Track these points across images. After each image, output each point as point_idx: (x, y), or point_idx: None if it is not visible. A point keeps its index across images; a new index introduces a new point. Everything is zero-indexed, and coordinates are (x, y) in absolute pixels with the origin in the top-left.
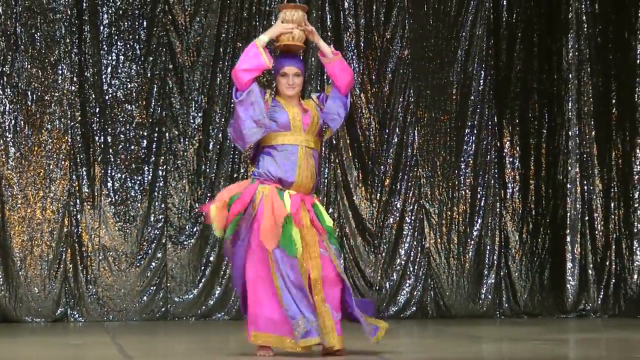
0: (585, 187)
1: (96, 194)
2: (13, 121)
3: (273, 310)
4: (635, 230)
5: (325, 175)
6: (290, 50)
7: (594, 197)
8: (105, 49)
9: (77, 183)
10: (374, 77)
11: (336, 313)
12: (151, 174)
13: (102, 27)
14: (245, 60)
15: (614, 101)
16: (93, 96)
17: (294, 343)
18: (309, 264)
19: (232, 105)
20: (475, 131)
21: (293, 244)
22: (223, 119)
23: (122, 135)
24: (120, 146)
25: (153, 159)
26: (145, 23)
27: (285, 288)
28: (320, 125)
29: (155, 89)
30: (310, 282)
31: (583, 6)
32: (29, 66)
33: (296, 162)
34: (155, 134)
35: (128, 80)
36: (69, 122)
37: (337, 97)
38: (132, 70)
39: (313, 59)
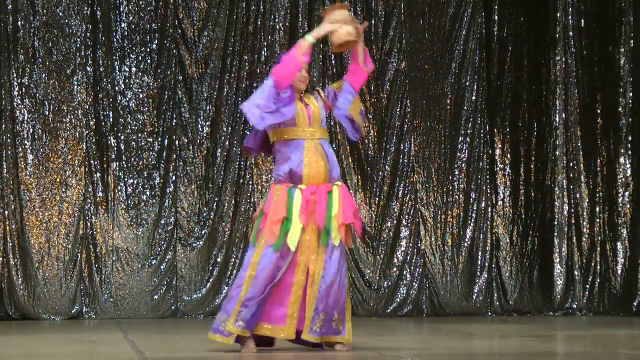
0: (572, 193)
1: (110, 198)
2: (31, 129)
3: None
4: (619, 233)
5: None
6: (345, 48)
7: (580, 201)
8: (118, 61)
9: (91, 188)
10: (372, 88)
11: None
12: (162, 180)
13: (115, 41)
14: (294, 59)
15: (599, 111)
16: (107, 106)
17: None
18: (309, 259)
19: (257, 86)
20: (468, 139)
21: (281, 239)
22: (230, 128)
23: (134, 143)
24: (133, 153)
25: (163, 165)
26: (156, 37)
27: (252, 282)
28: (322, 117)
29: (165, 99)
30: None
31: (570, 21)
32: (46, 78)
33: (303, 155)
34: (166, 142)
35: (140, 90)
36: (83, 130)
37: (348, 91)
38: (144, 82)
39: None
